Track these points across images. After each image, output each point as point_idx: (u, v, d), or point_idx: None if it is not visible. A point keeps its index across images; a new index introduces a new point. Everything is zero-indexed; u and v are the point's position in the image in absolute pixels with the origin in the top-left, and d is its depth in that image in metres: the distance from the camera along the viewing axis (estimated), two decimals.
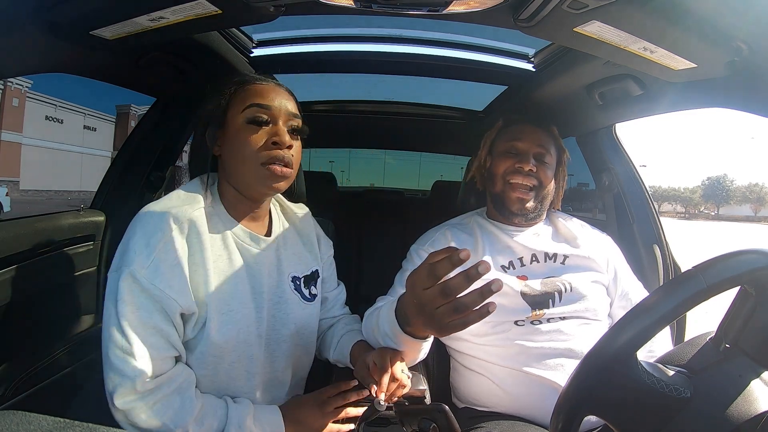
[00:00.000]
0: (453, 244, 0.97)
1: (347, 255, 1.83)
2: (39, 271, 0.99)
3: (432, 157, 3.23)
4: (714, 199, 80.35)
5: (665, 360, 0.57)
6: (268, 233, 0.83)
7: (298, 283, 0.84)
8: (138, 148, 1.32)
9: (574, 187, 1.71)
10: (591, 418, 0.55)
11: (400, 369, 0.72)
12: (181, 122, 1.33)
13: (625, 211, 1.28)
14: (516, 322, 0.90)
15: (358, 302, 1.04)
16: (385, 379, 0.69)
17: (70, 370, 1.01)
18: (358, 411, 0.78)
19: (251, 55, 1.24)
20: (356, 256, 1.96)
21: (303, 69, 1.39)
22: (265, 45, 1.26)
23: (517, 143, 1.01)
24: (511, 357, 0.89)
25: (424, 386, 0.79)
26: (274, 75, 1.17)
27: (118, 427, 0.63)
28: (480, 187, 1.11)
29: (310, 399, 0.79)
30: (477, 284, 0.52)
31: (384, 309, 0.75)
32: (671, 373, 0.52)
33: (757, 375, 0.51)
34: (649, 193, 1.31)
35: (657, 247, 1.22)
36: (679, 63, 0.73)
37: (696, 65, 0.73)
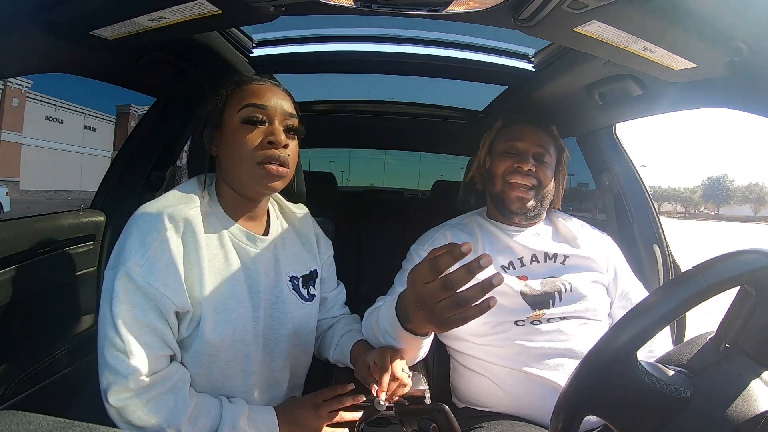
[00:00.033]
0: None
1: (347, 255, 1.83)
2: (39, 271, 0.99)
3: (432, 157, 3.23)
4: (714, 199, 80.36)
5: (665, 360, 0.57)
6: (266, 233, 0.83)
7: (296, 282, 0.84)
8: (138, 148, 1.32)
9: (574, 187, 1.71)
10: (591, 418, 0.55)
11: (401, 368, 0.72)
12: (180, 122, 1.33)
13: (625, 211, 1.28)
14: (516, 322, 0.90)
15: (358, 302, 1.04)
16: (386, 378, 0.69)
17: (70, 370, 1.01)
18: (354, 415, 0.78)
19: (251, 55, 1.24)
20: (356, 256, 1.96)
21: (303, 69, 1.39)
22: (265, 45, 1.26)
23: (516, 143, 1.01)
24: (511, 357, 0.89)
25: (424, 386, 0.79)
26: (274, 75, 1.17)
27: (119, 427, 0.63)
28: (480, 188, 1.11)
29: (307, 401, 0.79)
30: (477, 278, 0.52)
31: (384, 307, 0.76)
32: (671, 373, 0.52)
33: (757, 375, 0.51)
34: (649, 193, 1.31)
35: (657, 247, 1.22)
36: (679, 63, 0.73)
37: (696, 65, 0.73)
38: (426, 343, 0.75)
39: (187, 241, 0.69)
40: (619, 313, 0.98)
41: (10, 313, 0.90)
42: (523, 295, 0.92)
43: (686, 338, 0.77)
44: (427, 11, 0.68)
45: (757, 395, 0.49)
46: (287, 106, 0.77)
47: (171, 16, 0.69)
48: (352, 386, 0.78)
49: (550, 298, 0.92)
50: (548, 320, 0.90)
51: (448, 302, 0.53)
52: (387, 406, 0.66)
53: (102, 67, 0.95)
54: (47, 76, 0.86)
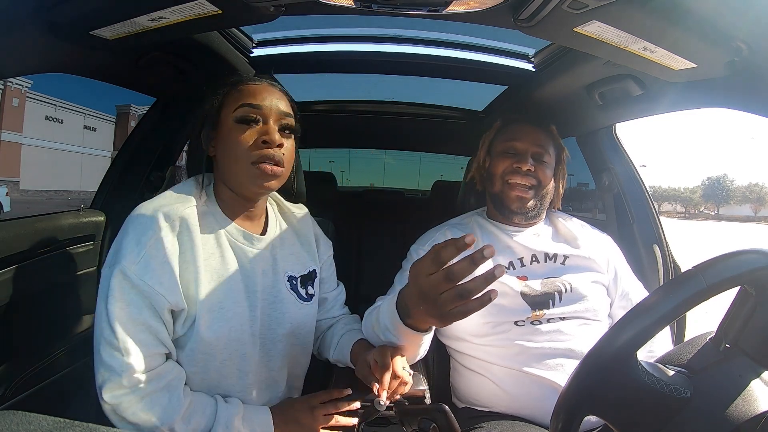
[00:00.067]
0: None
1: (347, 255, 1.83)
2: (39, 271, 0.99)
3: (432, 157, 3.23)
4: (714, 199, 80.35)
5: (665, 360, 0.57)
6: (264, 233, 0.83)
7: (295, 282, 0.84)
8: (138, 148, 1.32)
9: (574, 187, 1.71)
10: (591, 418, 0.55)
11: (402, 366, 0.72)
12: (180, 122, 1.33)
13: (625, 211, 1.28)
14: (516, 323, 0.90)
15: (358, 302, 1.04)
16: (387, 376, 0.69)
17: (69, 370, 1.01)
18: (349, 420, 0.77)
19: (251, 55, 1.24)
20: (356, 256, 1.96)
21: (303, 69, 1.39)
22: (265, 45, 1.26)
23: (515, 143, 1.01)
24: (511, 357, 0.89)
25: (424, 386, 0.79)
26: (274, 75, 1.17)
27: (114, 424, 0.64)
28: (479, 188, 1.11)
29: (303, 402, 0.79)
30: (478, 272, 0.52)
31: (384, 304, 0.76)
32: (671, 373, 0.52)
33: (757, 375, 0.51)
34: (649, 193, 1.31)
35: (657, 247, 1.22)
36: (679, 63, 0.73)
37: (696, 65, 0.73)
38: (426, 340, 0.75)
39: (182, 240, 0.69)
40: (620, 314, 0.98)
41: (10, 313, 0.90)
42: (523, 295, 0.92)
43: (686, 338, 0.77)
44: (427, 11, 0.68)
45: (757, 395, 0.49)
46: (283, 105, 0.77)
47: (171, 16, 0.69)
48: (349, 391, 0.78)
49: (550, 298, 0.92)
50: (548, 320, 0.90)
51: (450, 294, 0.53)
52: (387, 406, 0.66)
53: (102, 67, 0.95)
54: (47, 76, 0.86)
